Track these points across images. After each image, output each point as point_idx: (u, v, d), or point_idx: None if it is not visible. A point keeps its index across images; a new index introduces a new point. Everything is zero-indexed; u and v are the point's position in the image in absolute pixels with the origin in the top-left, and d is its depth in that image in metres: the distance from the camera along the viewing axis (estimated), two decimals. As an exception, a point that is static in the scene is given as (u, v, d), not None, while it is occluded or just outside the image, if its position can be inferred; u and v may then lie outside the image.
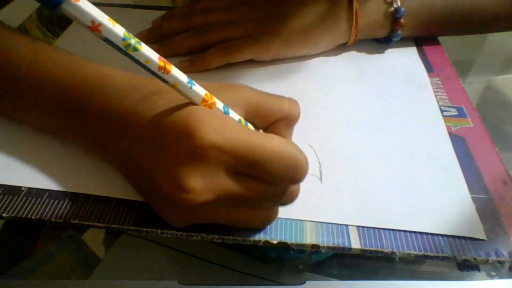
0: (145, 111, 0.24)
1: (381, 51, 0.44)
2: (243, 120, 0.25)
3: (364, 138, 0.34)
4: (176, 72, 0.21)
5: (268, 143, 0.22)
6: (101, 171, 0.29)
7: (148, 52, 0.20)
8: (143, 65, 0.20)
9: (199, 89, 0.23)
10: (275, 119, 0.26)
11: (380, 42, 0.44)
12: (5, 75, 0.29)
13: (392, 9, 0.41)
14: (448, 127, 0.35)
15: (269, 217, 0.26)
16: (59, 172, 0.29)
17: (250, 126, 0.26)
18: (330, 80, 0.40)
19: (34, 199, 0.27)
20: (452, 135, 0.34)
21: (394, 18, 0.41)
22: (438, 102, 0.38)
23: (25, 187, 0.28)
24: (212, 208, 0.24)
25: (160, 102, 0.24)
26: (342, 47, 0.43)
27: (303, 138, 0.33)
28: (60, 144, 0.31)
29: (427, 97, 0.38)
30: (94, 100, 0.26)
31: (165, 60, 0.21)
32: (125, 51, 0.19)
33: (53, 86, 0.27)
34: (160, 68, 0.20)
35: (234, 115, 0.24)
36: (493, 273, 0.29)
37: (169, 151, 0.22)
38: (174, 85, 0.22)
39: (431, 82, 0.40)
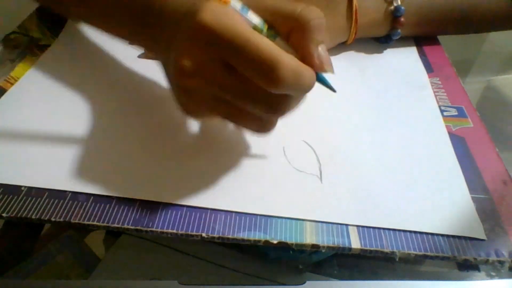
0: (181, 7, 0.27)
1: (381, 51, 0.44)
2: (259, 23, 0.25)
3: (364, 138, 0.34)
4: None
5: (255, 39, 0.23)
6: (101, 170, 0.29)
7: None
8: None
9: None
10: (290, 27, 0.26)
11: (380, 41, 0.44)
12: None
13: (392, 7, 0.41)
14: (448, 127, 0.35)
15: (262, 124, 0.27)
16: (59, 171, 0.29)
17: (265, 31, 0.26)
18: (330, 80, 0.40)
19: (34, 199, 0.27)
20: (452, 135, 0.34)
21: (394, 16, 0.41)
22: (438, 102, 0.38)
23: (25, 187, 0.28)
24: (206, 95, 0.26)
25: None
26: (342, 47, 0.43)
27: (303, 137, 0.33)
28: (60, 144, 0.31)
29: (427, 97, 0.38)
30: (155, 3, 0.29)
31: None
32: None
33: None
34: None
35: (253, 16, 0.25)
36: (493, 273, 0.29)
37: (179, 32, 0.25)
38: None
39: (431, 82, 0.40)
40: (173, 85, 0.27)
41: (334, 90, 0.28)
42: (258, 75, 0.23)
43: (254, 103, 0.25)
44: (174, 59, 0.25)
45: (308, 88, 0.25)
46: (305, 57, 0.25)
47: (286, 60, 0.23)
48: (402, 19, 0.41)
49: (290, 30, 0.26)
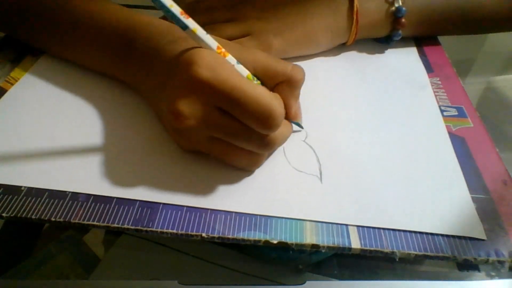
0: (170, 50, 0.29)
1: (381, 51, 0.44)
2: (250, 75, 0.29)
3: (364, 138, 0.34)
4: (193, 21, 0.26)
5: (250, 89, 0.25)
6: (101, 171, 0.29)
7: None
8: (167, 8, 0.25)
9: (213, 40, 0.27)
10: (279, 81, 0.29)
11: (380, 42, 0.44)
12: (67, 23, 0.35)
13: (393, 8, 0.41)
14: (448, 127, 0.35)
15: (253, 161, 0.29)
16: (59, 171, 0.29)
17: (257, 82, 0.29)
18: (330, 80, 0.40)
19: (34, 199, 0.27)
20: (452, 135, 0.34)
21: (395, 17, 0.41)
22: (438, 102, 0.38)
23: (25, 187, 0.28)
24: (201, 136, 0.28)
25: (184, 44, 0.28)
26: (342, 47, 0.43)
27: (303, 137, 0.33)
28: (60, 144, 0.31)
29: (427, 97, 0.38)
30: (139, 40, 0.32)
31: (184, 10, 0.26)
32: None
33: (108, 29, 0.33)
34: (181, 12, 0.25)
35: (243, 69, 0.28)
36: (493, 273, 0.29)
37: (174, 80, 0.27)
38: (193, 31, 0.26)
39: (431, 82, 0.40)
40: (168, 126, 0.30)
41: (301, 127, 0.33)
42: (257, 123, 0.26)
43: (249, 141, 0.27)
44: (170, 103, 0.27)
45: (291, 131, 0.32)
46: (285, 107, 0.30)
47: (279, 107, 0.26)
48: (403, 20, 0.41)
49: (276, 84, 0.30)
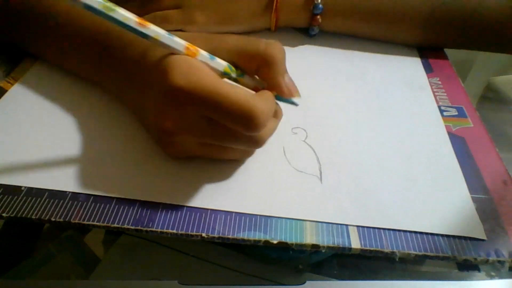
0: (147, 58, 0.28)
1: (382, 51, 0.44)
2: (227, 68, 0.27)
3: (364, 138, 0.34)
4: (154, 26, 0.25)
5: (227, 93, 0.24)
6: (101, 171, 0.29)
7: (124, 11, 0.24)
8: (123, 23, 0.24)
9: (179, 40, 0.26)
10: (257, 62, 0.28)
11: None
12: (47, 26, 0.34)
13: (312, 3, 0.41)
14: (448, 127, 0.35)
15: (245, 154, 0.30)
16: (59, 171, 0.29)
17: (237, 71, 0.28)
18: (330, 80, 0.40)
19: (34, 199, 0.27)
20: (452, 135, 0.34)
21: (312, 13, 0.41)
22: (438, 102, 0.38)
23: (25, 187, 0.28)
24: (189, 143, 0.28)
25: (157, 53, 0.27)
26: (341, 47, 0.43)
27: (303, 137, 0.33)
28: (60, 144, 0.31)
29: (427, 97, 0.38)
30: (115, 49, 0.31)
31: (141, 18, 0.24)
32: (105, 13, 0.23)
33: (85, 35, 0.32)
34: (137, 23, 0.24)
35: (220, 63, 0.27)
36: (493, 273, 0.29)
37: (154, 92, 0.27)
38: (156, 38, 0.25)
39: (431, 82, 0.40)
40: (156, 138, 0.29)
41: (296, 104, 0.30)
42: (238, 125, 0.25)
43: (238, 142, 0.27)
44: (155, 121, 0.27)
45: (279, 119, 0.30)
46: (274, 87, 0.28)
47: (260, 105, 0.25)
48: (318, 17, 0.41)
49: (257, 66, 0.28)
